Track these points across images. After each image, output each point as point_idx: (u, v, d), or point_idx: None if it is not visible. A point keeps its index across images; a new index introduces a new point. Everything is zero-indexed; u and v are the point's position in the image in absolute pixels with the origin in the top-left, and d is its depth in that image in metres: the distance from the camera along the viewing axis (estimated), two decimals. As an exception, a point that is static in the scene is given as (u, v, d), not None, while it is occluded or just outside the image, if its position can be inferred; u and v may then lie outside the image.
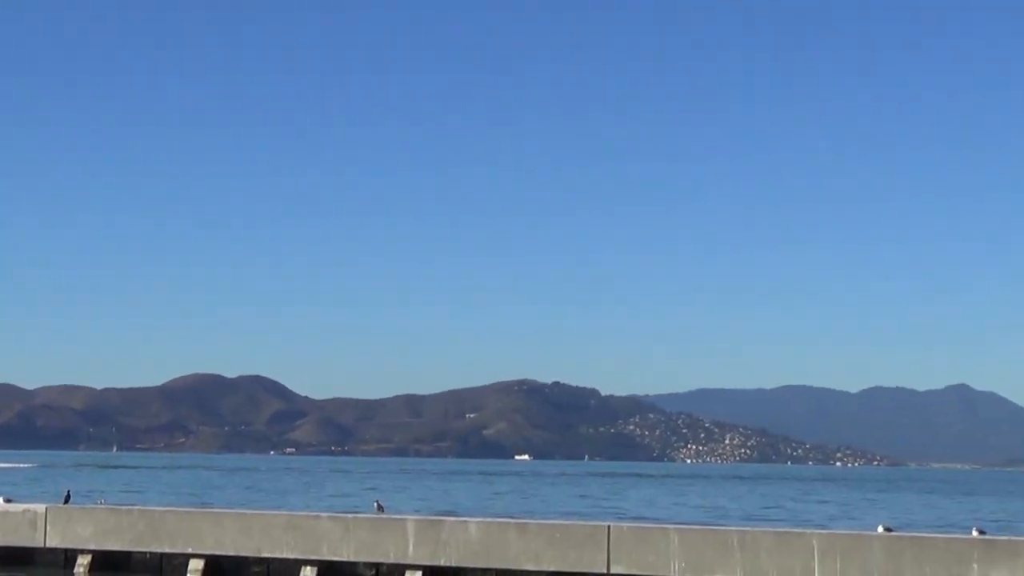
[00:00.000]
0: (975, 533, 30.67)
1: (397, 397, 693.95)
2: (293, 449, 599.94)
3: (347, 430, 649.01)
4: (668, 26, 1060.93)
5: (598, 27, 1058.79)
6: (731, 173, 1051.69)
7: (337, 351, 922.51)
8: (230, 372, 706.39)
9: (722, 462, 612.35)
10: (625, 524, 32.04)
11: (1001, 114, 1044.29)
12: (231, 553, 33.51)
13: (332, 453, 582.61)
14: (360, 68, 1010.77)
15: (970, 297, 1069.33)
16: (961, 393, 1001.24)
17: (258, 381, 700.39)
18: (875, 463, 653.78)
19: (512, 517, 40.31)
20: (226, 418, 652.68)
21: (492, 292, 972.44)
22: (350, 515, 34.04)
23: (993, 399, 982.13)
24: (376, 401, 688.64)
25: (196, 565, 33.73)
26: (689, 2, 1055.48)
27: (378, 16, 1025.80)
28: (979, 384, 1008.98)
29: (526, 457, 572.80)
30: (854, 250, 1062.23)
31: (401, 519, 32.87)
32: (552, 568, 30.97)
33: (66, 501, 38.80)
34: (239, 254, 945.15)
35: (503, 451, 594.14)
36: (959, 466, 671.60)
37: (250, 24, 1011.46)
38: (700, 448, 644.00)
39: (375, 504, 40.04)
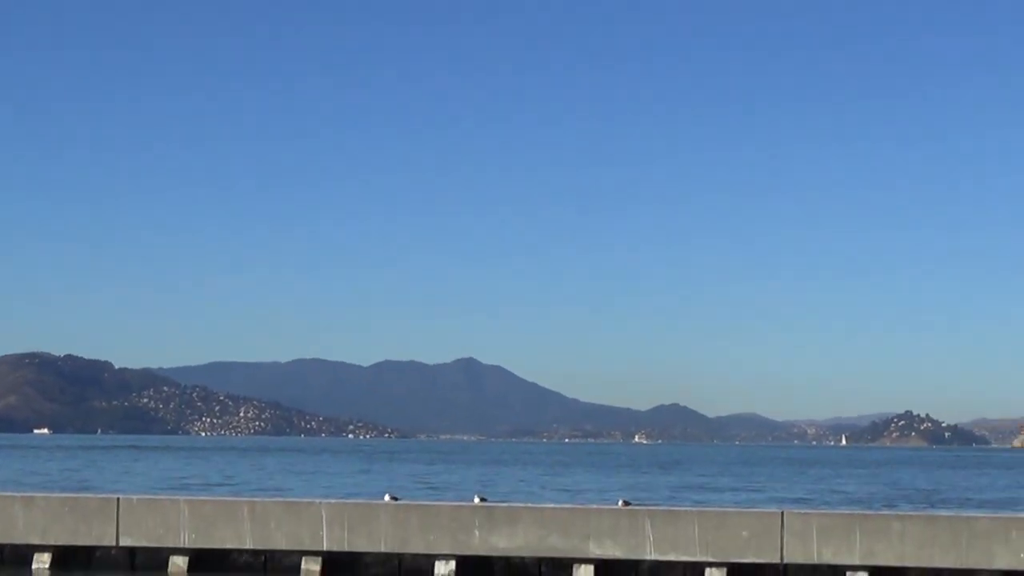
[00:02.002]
0: (477, 500, 32.04)
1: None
2: None
3: None
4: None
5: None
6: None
7: None
8: None
9: (237, 435, 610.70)
10: (135, 496, 31.93)
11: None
12: None
13: None
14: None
15: (475, 270, 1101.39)
16: (468, 367, 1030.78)
17: None
18: (386, 435, 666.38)
19: (20, 491, 39.37)
20: None
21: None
22: None
23: (499, 372, 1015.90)
24: None
25: None
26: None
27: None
28: (485, 358, 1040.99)
29: (46, 431, 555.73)
30: (359, 226, 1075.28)
31: (-100, 494, 31.74)
32: (61, 542, 30.58)
33: None
34: None
35: (16, 425, 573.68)
36: (466, 438, 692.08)
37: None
38: (215, 421, 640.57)
39: None
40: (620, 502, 31.87)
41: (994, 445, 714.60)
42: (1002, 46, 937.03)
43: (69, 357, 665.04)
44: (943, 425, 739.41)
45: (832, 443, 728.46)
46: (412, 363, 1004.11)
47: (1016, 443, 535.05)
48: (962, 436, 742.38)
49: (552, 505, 31.35)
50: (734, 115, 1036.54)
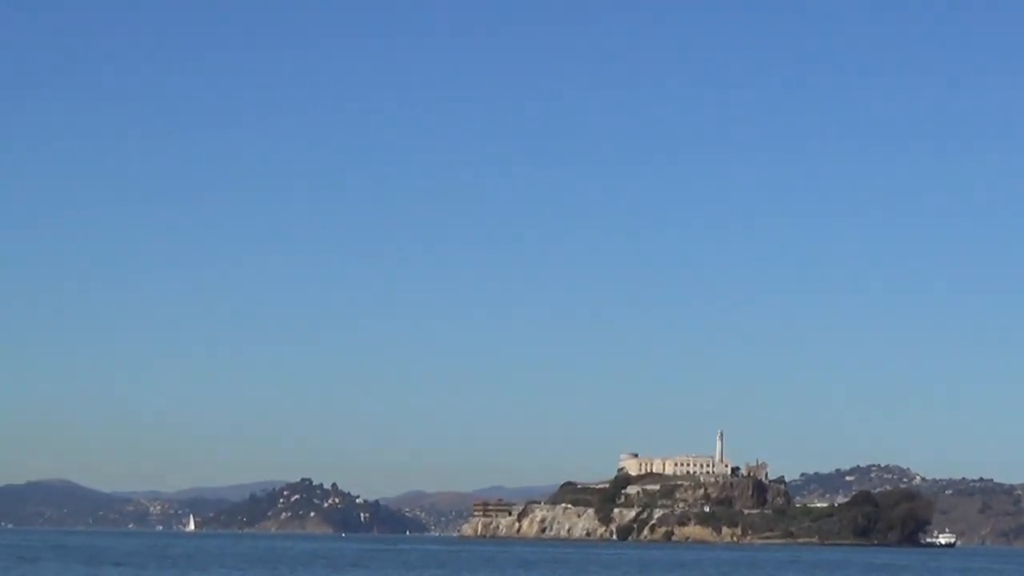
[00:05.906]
0: None
1: None
2: None
3: None
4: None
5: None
6: None
7: None
8: None
9: None
10: None
11: None
12: None
13: None
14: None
15: None
16: None
17: None
18: None
19: None
20: None
21: None
22: None
23: None
24: None
25: None
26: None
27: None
28: None
29: None
30: None
31: None
32: None
33: None
34: None
35: None
36: None
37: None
38: None
39: None
40: None
41: (435, 532, 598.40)
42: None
43: None
44: (359, 502, 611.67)
45: (183, 527, 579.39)
46: None
47: (467, 530, 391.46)
48: (388, 518, 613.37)
49: None
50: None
